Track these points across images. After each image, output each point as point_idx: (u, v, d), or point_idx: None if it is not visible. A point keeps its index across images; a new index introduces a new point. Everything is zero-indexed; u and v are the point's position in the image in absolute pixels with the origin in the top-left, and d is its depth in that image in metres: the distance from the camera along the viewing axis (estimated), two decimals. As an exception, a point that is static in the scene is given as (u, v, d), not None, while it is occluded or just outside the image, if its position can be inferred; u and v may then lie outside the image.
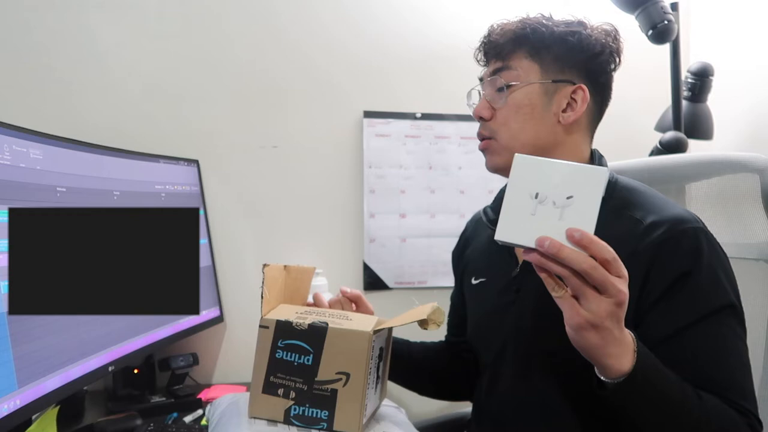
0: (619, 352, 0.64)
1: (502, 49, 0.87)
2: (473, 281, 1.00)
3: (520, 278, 0.87)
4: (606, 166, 0.88)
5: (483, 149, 0.91)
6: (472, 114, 0.93)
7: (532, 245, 0.61)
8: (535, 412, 0.85)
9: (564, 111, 0.85)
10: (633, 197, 0.83)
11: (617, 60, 0.88)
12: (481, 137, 0.91)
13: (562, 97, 0.85)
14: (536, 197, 0.62)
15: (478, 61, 0.94)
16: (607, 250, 0.60)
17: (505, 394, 0.90)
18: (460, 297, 1.11)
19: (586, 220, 0.61)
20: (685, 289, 0.74)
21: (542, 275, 0.62)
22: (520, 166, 0.64)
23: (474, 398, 1.02)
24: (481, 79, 0.92)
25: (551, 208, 0.62)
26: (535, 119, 0.85)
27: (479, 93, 0.93)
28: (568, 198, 0.61)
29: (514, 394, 0.88)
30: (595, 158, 0.89)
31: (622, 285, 0.61)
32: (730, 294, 0.75)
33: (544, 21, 0.87)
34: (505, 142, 0.87)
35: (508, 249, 0.91)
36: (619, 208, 0.82)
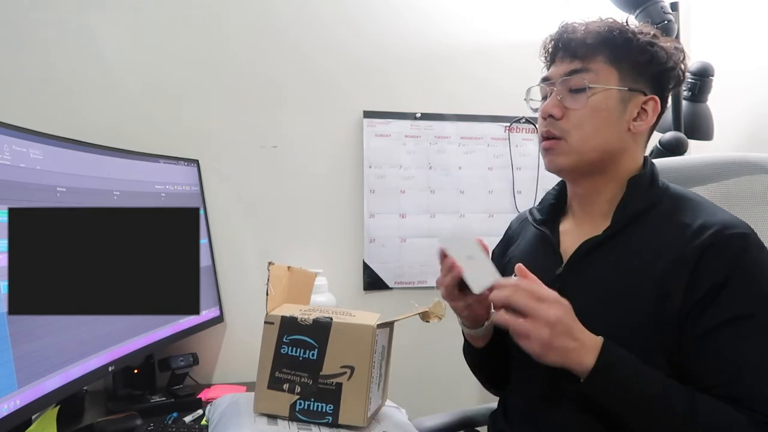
0: (575, 354, 0.73)
1: (584, 49, 0.86)
2: (515, 277, 1.00)
3: (564, 276, 0.88)
4: (656, 172, 0.89)
5: (548, 148, 0.88)
6: (536, 111, 0.92)
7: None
8: (566, 411, 0.84)
9: (635, 120, 0.87)
10: (682, 203, 0.84)
11: (681, 78, 0.90)
12: (549, 136, 0.88)
13: (634, 106, 0.86)
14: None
15: (545, 56, 0.93)
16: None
17: (536, 391, 0.89)
18: None
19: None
20: (724, 291, 0.75)
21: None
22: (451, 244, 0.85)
23: (504, 393, 1.02)
24: (546, 78, 0.90)
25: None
26: (608, 124, 0.85)
27: (541, 92, 0.93)
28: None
29: (546, 392, 0.87)
30: (647, 164, 0.90)
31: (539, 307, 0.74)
32: None
33: (626, 27, 0.87)
34: (576, 144, 0.85)
35: (554, 247, 0.92)
36: (669, 214, 0.83)
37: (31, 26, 1.48)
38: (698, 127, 1.61)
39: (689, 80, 1.61)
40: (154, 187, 1.37)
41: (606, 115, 0.85)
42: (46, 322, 0.97)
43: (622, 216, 0.85)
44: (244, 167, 1.63)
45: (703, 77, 1.60)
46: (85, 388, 1.23)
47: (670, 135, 1.52)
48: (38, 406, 0.93)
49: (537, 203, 1.04)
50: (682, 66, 0.89)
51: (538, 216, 0.99)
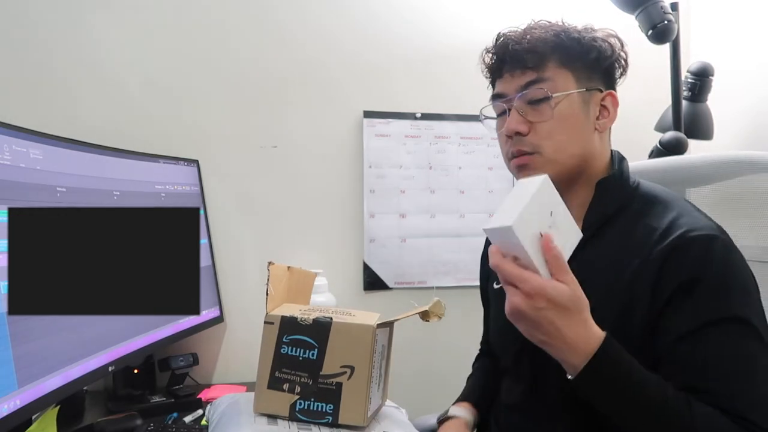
0: (565, 350, 0.69)
1: (535, 58, 0.83)
2: (495, 285, 0.99)
3: None
4: (626, 170, 0.87)
5: (521, 165, 0.84)
6: (499, 132, 0.89)
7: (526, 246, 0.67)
8: (550, 417, 0.84)
9: (598, 119, 0.85)
10: (652, 204, 0.82)
11: (625, 66, 0.89)
12: (519, 153, 0.84)
13: (594, 104, 0.85)
14: (551, 215, 0.70)
15: (488, 74, 0.91)
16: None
17: (522, 400, 0.89)
18: (486, 302, 1.12)
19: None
20: (691, 296, 0.73)
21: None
22: (547, 185, 0.71)
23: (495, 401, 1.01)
24: (500, 95, 0.88)
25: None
26: (578, 129, 0.83)
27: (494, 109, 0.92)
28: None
29: (530, 400, 0.87)
30: (614, 162, 0.88)
31: (529, 278, 0.67)
32: (738, 307, 0.72)
33: (569, 28, 0.85)
34: (552, 154, 0.82)
35: None
36: (637, 217, 0.81)
37: (31, 26, 1.48)
38: (698, 127, 1.61)
39: (689, 80, 1.61)
40: (154, 187, 1.37)
41: (574, 121, 0.83)
42: (46, 322, 0.97)
43: (591, 223, 0.83)
44: (244, 167, 1.63)
45: (703, 77, 1.60)
46: (85, 388, 1.23)
47: (670, 135, 1.52)
48: (38, 406, 0.93)
49: None
50: (623, 53, 0.88)
51: None
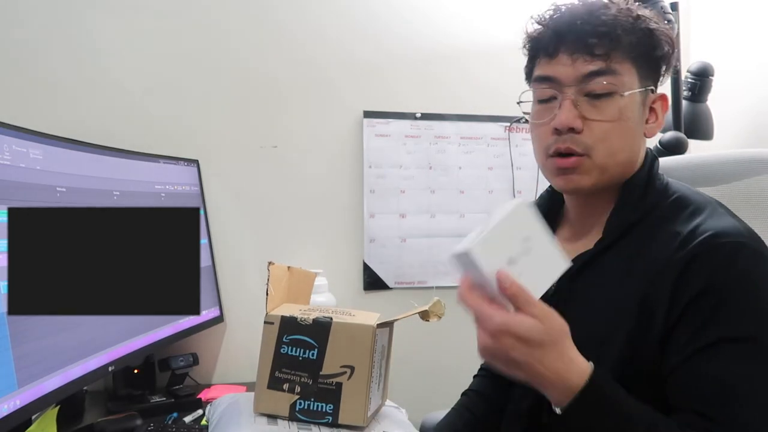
0: (546, 386, 0.62)
1: (605, 44, 0.71)
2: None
3: (557, 297, 0.77)
4: (654, 170, 0.78)
5: (566, 168, 0.74)
6: (539, 122, 0.77)
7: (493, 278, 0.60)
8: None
9: (647, 122, 0.77)
10: (680, 207, 0.74)
11: (674, 61, 0.79)
12: (568, 152, 0.73)
13: (646, 107, 0.76)
14: (525, 242, 0.62)
15: (541, 46, 0.77)
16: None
17: (522, 407, 0.83)
18: None
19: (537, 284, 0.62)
20: (706, 308, 0.65)
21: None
22: (524, 209, 0.62)
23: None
24: (550, 79, 0.75)
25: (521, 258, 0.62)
26: (634, 134, 0.74)
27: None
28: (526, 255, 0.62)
29: (530, 407, 0.81)
30: (646, 161, 0.79)
31: (492, 315, 0.59)
32: (759, 325, 0.64)
33: (643, 15, 0.73)
34: (602, 160, 0.73)
35: None
36: (663, 221, 0.73)
37: (31, 26, 1.48)
38: (698, 127, 1.61)
39: (689, 80, 1.61)
40: (154, 187, 1.37)
41: (632, 125, 0.73)
42: (46, 322, 0.97)
43: (614, 228, 0.75)
44: (244, 167, 1.63)
45: (703, 77, 1.60)
46: (85, 388, 1.23)
47: (670, 135, 1.52)
48: (38, 406, 0.93)
49: None
50: (674, 46, 0.77)
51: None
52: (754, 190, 0.94)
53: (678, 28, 1.45)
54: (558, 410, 0.63)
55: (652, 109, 0.77)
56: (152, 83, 1.56)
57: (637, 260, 0.72)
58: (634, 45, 0.72)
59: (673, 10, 1.43)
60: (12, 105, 1.45)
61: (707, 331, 0.65)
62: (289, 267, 0.90)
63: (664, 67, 0.77)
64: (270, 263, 0.85)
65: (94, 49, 1.52)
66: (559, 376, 0.60)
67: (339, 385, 0.79)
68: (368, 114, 1.70)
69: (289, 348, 0.81)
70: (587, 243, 0.79)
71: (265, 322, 0.83)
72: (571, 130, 0.72)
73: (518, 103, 0.82)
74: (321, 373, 0.79)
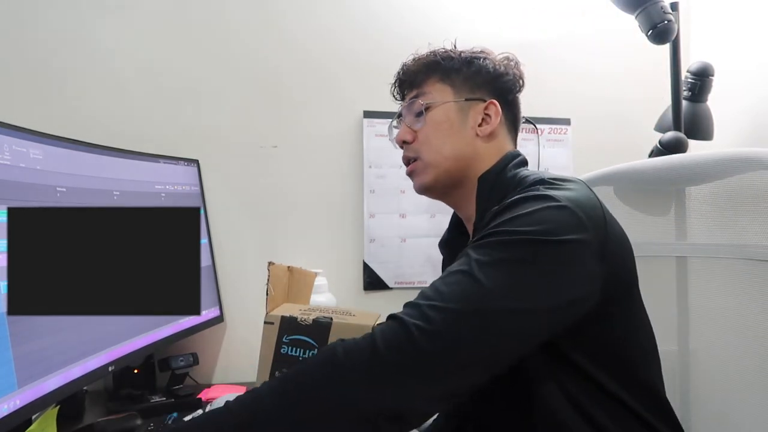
0: None
1: (415, 78, 0.96)
2: None
3: None
4: (508, 163, 0.89)
5: (410, 172, 0.95)
6: (395, 145, 0.98)
7: None
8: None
9: (480, 125, 0.92)
10: (521, 188, 0.81)
11: (521, 82, 0.97)
12: (407, 161, 0.95)
13: (476, 113, 0.92)
14: None
15: (395, 98, 1.02)
16: None
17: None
18: None
19: None
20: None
21: None
22: None
23: None
24: (397, 114, 0.99)
25: None
26: (453, 134, 0.91)
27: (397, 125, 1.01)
28: None
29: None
30: (506, 157, 0.90)
31: None
32: (497, 241, 0.67)
33: (450, 49, 0.97)
34: (429, 158, 0.91)
35: None
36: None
37: (31, 26, 1.48)
38: (698, 127, 1.61)
39: (689, 80, 1.61)
40: (154, 187, 1.37)
41: (448, 126, 0.91)
42: (46, 322, 0.97)
43: (477, 220, 0.85)
44: (244, 167, 1.63)
45: (703, 77, 1.60)
46: (85, 388, 1.23)
47: (670, 135, 1.52)
48: (38, 406, 0.93)
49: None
50: (516, 71, 0.96)
51: (443, 236, 1.07)
52: (736, 188, 1.00)
53: (678, 28, 1.45)
54: None
55: (486, 115, 0.92)
56: (152, 83, 1.56)
57: None
58: (440, 70, 0.94)
59: (673, 10, 1.43)
60: (12, 105, 1.46)
61: (478, 241, 0.69)
62: (289, 267, 0.90)
63: (488, 80, 0.93)
64: (270, 263, 0.86)
65: (95, 49, 1.52)
66: None
67: None
68: (368, 114, 1.70)
69: (289, 348, 0.82)
70: None
71: (265, 322, 0.83)
72: (405, 142, 0.95)
73: (389, 140, 1.07)
74: None
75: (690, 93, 1.60)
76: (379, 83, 1.73)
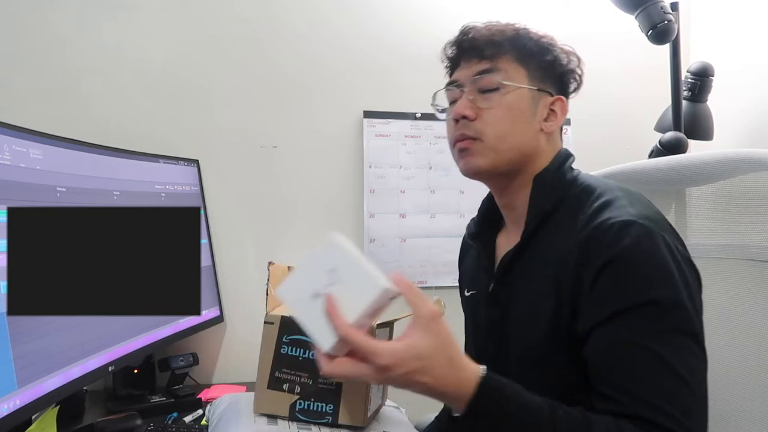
0: (444, 400, 0.65)
1: (486, 48, 0.85)
2: (466, 293, 1.00)
3: (495, 295, 0.86)
4: (565, 163, 0.86)
5: (464, 149, 0.84)
6: (444, 115, 0.90)
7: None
8: None
9: (545, 120, 0.86)
10: (586, 195, 0.80)
11: (580, 82, 0.90)
12: (463, 137, 0.84)
13: (543, 106, 0.85)
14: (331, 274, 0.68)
15: (448, 61, 0.91)
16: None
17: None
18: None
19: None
20: (601, 283, 0.70)
21: None
22: (330, 246, 0.69)
23: None
24: (453, 82, 0.88)
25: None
26: (523, 123, 0.83)
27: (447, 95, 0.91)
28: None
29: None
30: (559, 156, 0.87)
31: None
32: (653, 290, 0.68)
33: (529, 28, 0.88)
34: (493, 142, 0.82)
35: (485, 263, 0.90)
36: (572, 210, 0.79)
37: (32, 26, 1.48)
38: (698, 127, 1.61)
39: (689, 80, 1.61)
40: (154, 187, 1.37)
41: (520, 114, 0.83)
42: (46, 322, 0.97)
43: (530, 220, 0.82)
44: (244, 167, 1.63)
45: (703, 77, 1.60)
46: (85, 388, 1.23)
47: (670, 135, 1.52)
48: (38, 406, 0.93)
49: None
50: (579, 70, 0.89)
51: (472, 229, 0.98)
52: (737, 188, 0.99)
53: (678, 28, 1.45)
54: (457, 415, 0.65)
55: (552, 111, 0.86)
56: (153, 83, 1.56)
57: (550, 248, 0.79)
58: (520, 50, 0.85)
59: (673, 10, 1.43)
60: (12, 105, 1.46)
61: (607, 302, 0.70)
62: (289, 267, 0.90)
63: (558, 73, 0.87)
64: (270, 263, 0.86)
65: (96, 49, 1.52)
66: (451, 387, 0.63)
67: (339, 385, 0.79)
68: (368, 114, 1.70)
69: (289, 348, 0.81)
70: (517, 240, 0.85)
71: (265, 322, 0.83)
72: (465, 117, 0.83)
73: (431, 105, 0.93)
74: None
75: (690, 93, 1.61)
76: (379, 83, 1.74)
